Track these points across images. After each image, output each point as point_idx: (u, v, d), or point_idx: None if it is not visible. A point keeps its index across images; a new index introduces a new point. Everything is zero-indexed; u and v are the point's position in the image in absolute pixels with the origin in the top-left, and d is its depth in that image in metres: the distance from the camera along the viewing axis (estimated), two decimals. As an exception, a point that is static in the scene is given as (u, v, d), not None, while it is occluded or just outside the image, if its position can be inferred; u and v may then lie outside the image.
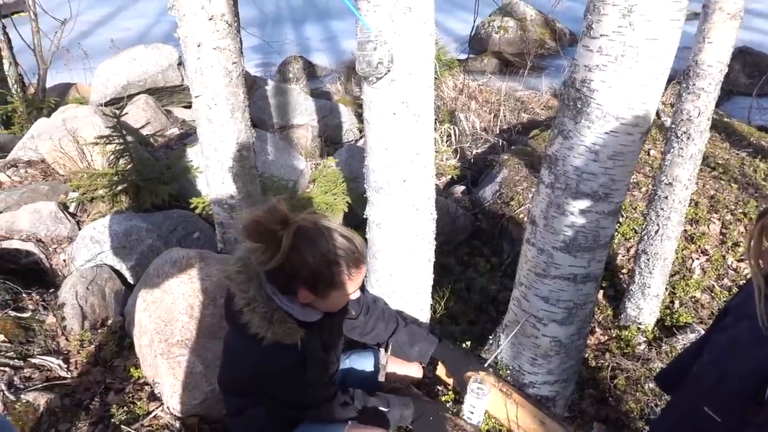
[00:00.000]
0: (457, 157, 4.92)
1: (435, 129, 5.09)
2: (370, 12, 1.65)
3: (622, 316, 2.65)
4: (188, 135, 4.41)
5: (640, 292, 2.54)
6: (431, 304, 2.27)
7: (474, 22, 4.96)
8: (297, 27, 12.05)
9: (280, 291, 1.34)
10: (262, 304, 1.30)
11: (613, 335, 2.59)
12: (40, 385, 1.96)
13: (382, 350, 1.86)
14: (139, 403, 1.94)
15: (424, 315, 2.20)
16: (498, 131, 5.46)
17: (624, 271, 2.95)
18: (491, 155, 4.69)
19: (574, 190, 1.60)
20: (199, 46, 2.24)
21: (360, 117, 5.63)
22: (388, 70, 1.70)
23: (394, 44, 1.67)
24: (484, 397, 1.71)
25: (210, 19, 2.20)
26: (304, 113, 5.14)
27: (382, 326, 1.84)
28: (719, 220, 3.15)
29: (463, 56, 7.88)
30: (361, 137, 5.33)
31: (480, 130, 5.33)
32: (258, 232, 1.27)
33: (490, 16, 9.26)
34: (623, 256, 3.04)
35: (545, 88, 6.54)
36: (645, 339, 2.53)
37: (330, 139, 5.18)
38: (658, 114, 4.11)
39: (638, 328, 2.56)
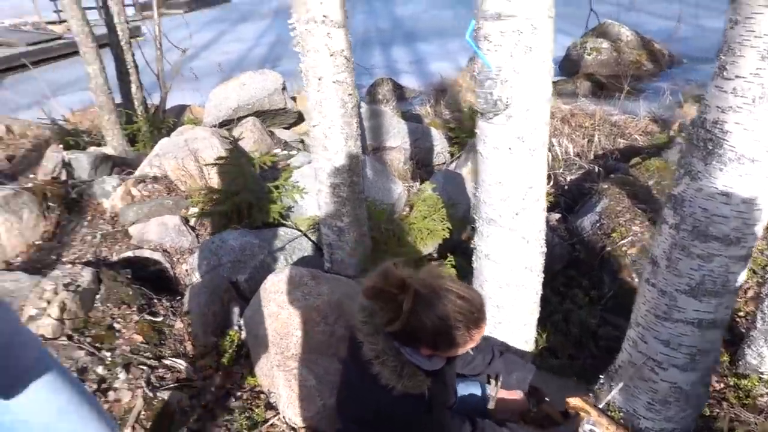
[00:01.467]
0: (551, 184, 4.84)
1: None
2: (491, 51, 1.71)
3: (740, 363, 2.47)
4: (290, 156, 4.69)
5: (763, 339, 2.36)
6: (534, 337, 2.26)
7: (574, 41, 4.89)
8: (384, 49, 12.41)
9: (403, 344, 1.39)
10: (392, 357, 1.35)
11: (731, 383, 2.42)
12: (172, 385, 2.17)
13: (492, 382, 1.89)
14: (257, 410, 2.09)
15: (528, 347, 2.21)
16: (593, 157, 5.30)
17: (741, 314, 2.76)
18: (587, 182, 4.55)
19: (703, 233, 1.56)
20: (320, 79, 2.41)
21: (451, 140, 5.69)
22: (507, 107, 1.75)
23: (514, 82, 1.71)
24: (596, 439, 1.68)
25: (331, 55, 2.37)
26: (396, 135, 5.28)
27: (480, 357, 1.91)
28: None
29: (554, 79, 7.75)
30: (452, 161, 5.38)
31: (573, 156, 5.21)
32: (375, 295, 1.34)
33: (582, 37, 9.04)
34: (740, 298, 2.83)
35: (643, 112, 6.25)
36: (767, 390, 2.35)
37: (420, 162, 5.27)
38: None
39: (760, 378, 2.38)
